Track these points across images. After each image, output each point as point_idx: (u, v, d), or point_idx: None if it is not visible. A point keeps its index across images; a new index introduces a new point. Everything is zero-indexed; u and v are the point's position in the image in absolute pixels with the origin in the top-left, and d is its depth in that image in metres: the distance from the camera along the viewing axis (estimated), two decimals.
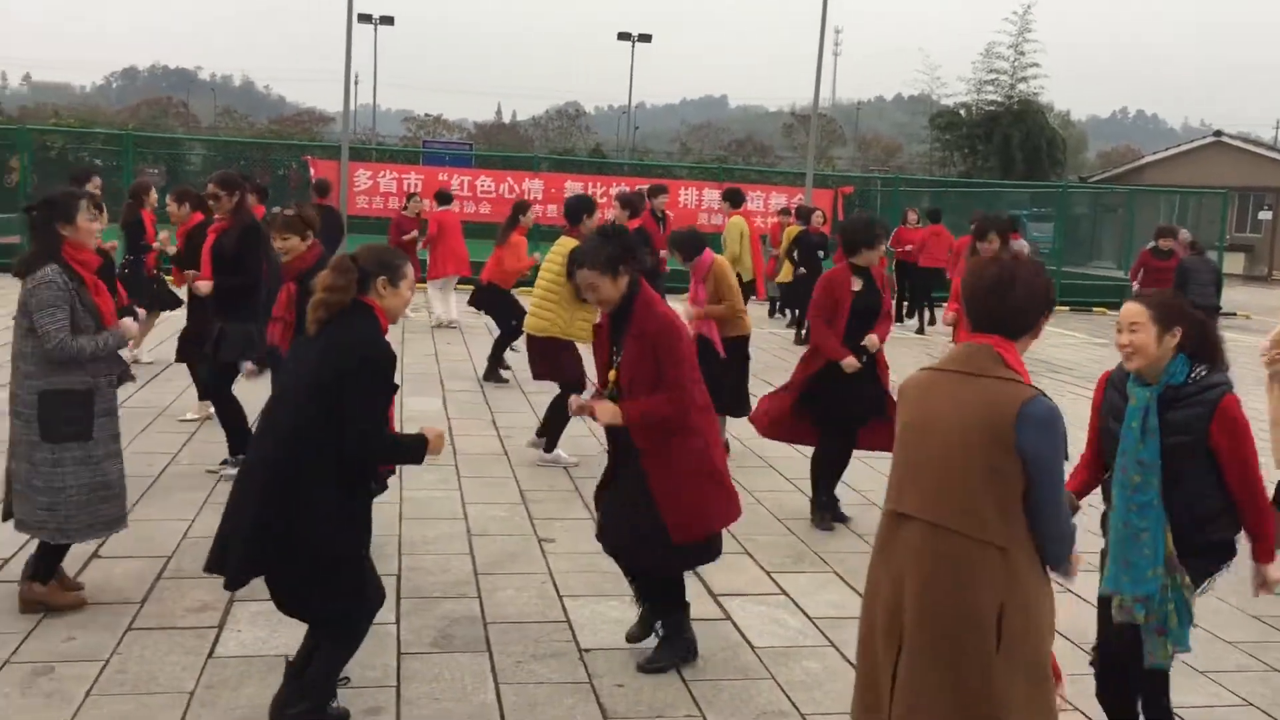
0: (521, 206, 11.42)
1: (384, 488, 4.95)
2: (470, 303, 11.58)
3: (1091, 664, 4.07)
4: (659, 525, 4.35)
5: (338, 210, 15.87)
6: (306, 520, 3.65)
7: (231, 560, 3.73)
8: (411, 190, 17.02)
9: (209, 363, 7.19)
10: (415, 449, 3.87)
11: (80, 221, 4.81)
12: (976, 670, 2.89)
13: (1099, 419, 3.91)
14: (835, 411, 6.60)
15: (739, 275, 12.28)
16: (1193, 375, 3.64)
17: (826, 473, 6.76)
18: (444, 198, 15.04)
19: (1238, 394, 3.66)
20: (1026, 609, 2.92)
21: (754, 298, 13.28)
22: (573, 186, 22.32)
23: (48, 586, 4.88)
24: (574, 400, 4.67)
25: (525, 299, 9.37)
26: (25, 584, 4.87)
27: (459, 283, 15.00)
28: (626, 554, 4.62)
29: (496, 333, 11.23)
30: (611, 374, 4.50)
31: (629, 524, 4.45)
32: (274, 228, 6.12)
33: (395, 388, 3.87)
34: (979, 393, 2.94)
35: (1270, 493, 3.90)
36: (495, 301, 11.16)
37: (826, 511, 6.70)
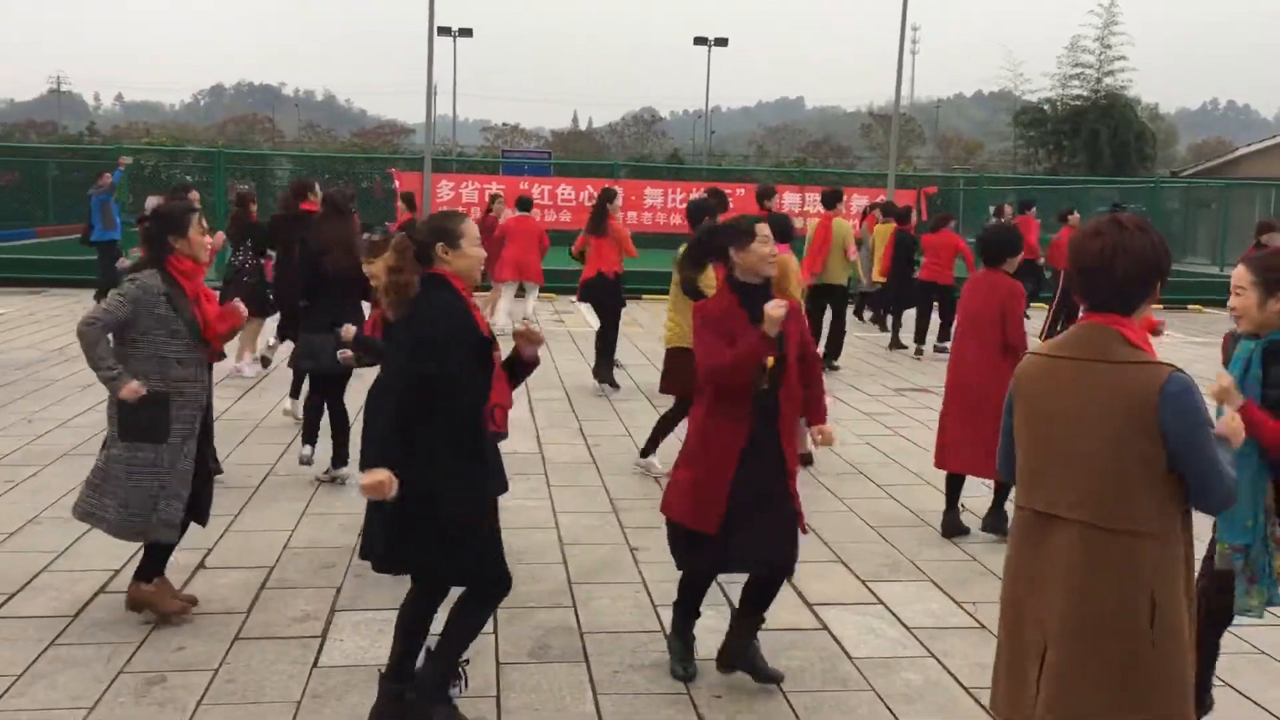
0: (609, 194, 11.17)
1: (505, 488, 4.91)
2: (580, 298, 11.34)
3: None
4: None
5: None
6: (434, 494, 3.81)
7: (377, 547, 3.94)
8: (492, 194, 17.14)
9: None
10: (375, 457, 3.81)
11: (192, 234, 4.99)
12: (1132, 668, 2.84)
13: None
14: None
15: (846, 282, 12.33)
16: None
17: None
18: (524, 204, 14.97)
19: None
20: (1174, 595, 2.86)
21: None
22: (652, 193, 22.40)
23: (154, 587, 5.02)
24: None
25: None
26: (132, 584, 5.02)
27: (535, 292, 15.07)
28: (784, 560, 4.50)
29: (587, 340, 11.20)
30: (770, 360, 4.28)
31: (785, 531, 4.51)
32: (364, 252, 6.21)
33: (486, 349, 3.94)
34: (1112, 380, 2.85)
35: None
36: (603, 292, 10.88)
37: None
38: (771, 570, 4.47)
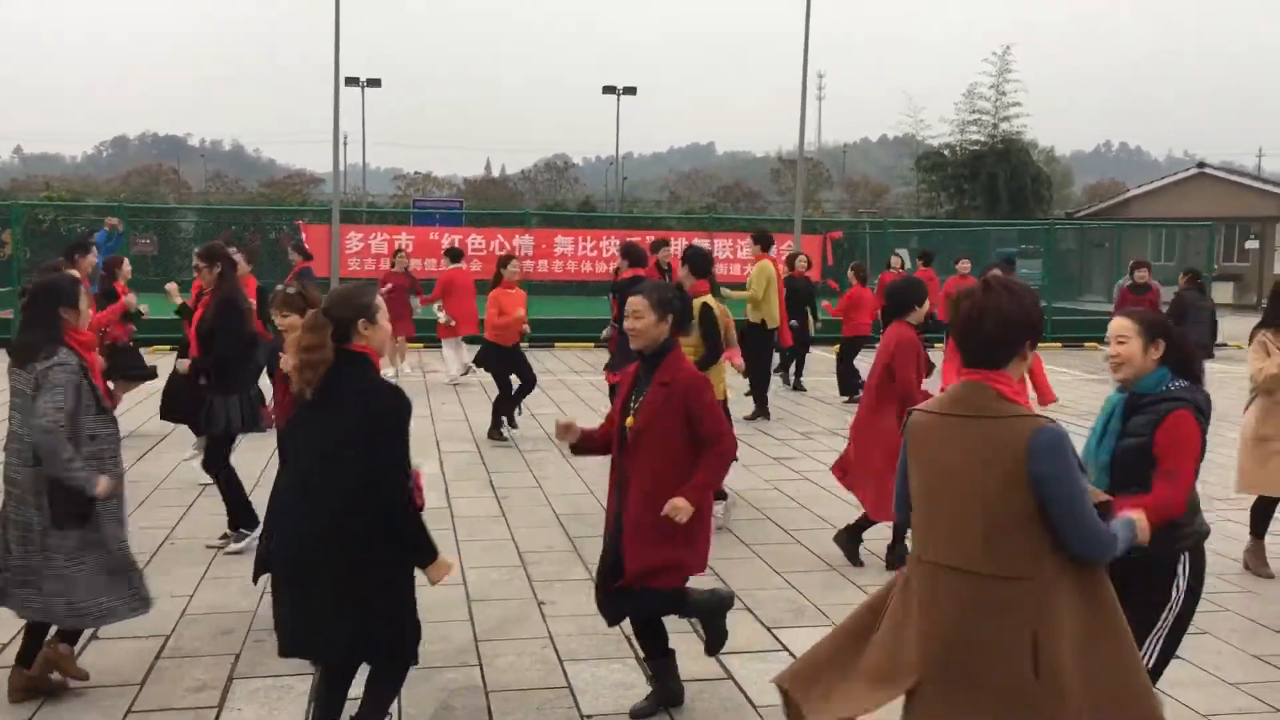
0: (503, 261, 11.37)
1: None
2: (475, 360, 11.50)
3: None
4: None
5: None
6: (376, 583, 3.82)
7: (319, 644, 3.89)
8: (396, 248, 17.15)
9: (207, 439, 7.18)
10: (425, 541, 4.00)
11: (82, 306, 4.87)
12: (1015, 700, 2.93)
13: None
14: None
15: (764, 322, 12.25)
16: (1168, 386, 3.83)
17: None
18: (455, 255, 14.99)
19: (1213, 423, 3.79)
20: (1056, 636, 2.93)
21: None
22: (563, 241, 22.49)
23: (70, 649, 4.89)
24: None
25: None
26: (51, 645, 4.84)
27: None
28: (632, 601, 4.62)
29: (494, 393, 11.21)
30: (629, 420, 4.52)
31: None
32: (274, 305, 6.02)
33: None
34: (985, 434, 2.98)
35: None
36: (493, 359, 11.09)
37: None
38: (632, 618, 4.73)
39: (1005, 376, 3.05)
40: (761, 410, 12.37)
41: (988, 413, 2.99)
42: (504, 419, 11.04)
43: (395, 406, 3.83)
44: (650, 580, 4.48)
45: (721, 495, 7.57)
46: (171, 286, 9.09)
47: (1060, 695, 2.95)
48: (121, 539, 4.88)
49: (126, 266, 10.86)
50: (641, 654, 4.96)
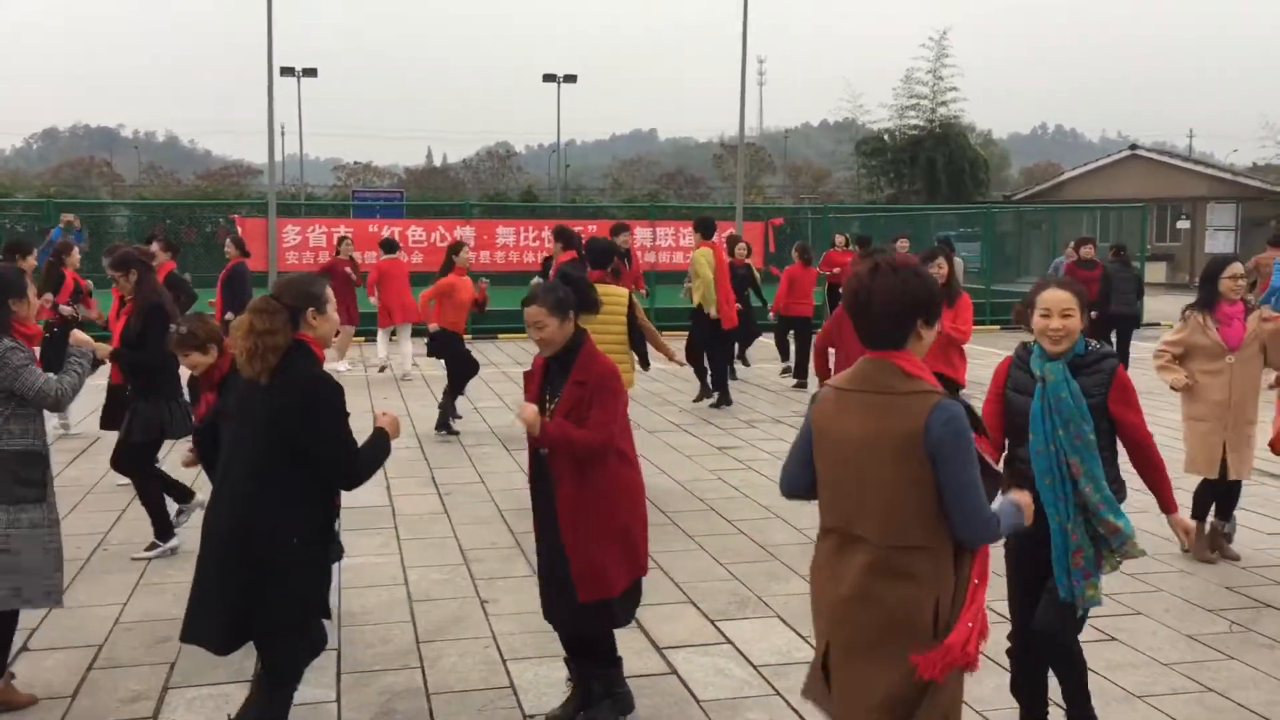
0: (455, 247, 11.32)
1: (341, 552, 4.89)
2: (430, 353, 11.41)
3: (1008, 653, 4.37)
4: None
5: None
6: (284, 577, 3.73)
7: (213, 629, 3.78)
8: (340, 235, 16.97)
9: (122, 445, 7.01)
10: (385, 446, 4.00)
11: (30, 296, 4.86)
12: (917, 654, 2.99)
13: (1001, 392, 4.34)
14: None
15: (703, 309, 12.28)
16: (1090, 347, 4.17)
17: None
18: (389, 246, 15.13)
19: (1153, 404, 3.99)
20: (955, 595, 3.03)
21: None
22: (505, 232, 22.35)
23: (3, 682, 4.76)
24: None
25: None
26: None
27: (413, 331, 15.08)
28: (568, 625, 4.57)
29: (438, 386, 11.14)
30: (545, 418, 4.44)
31: (567, 595, 4.42)
32: (173, 347, 5.79)
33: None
34: (887, 410, 3.01)
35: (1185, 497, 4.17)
36: (447, 348, 10.98)
37: None
38: (562, 630, 4.63)
39: (908, 354, 3.08)
40: (724, 398, 12.48)
41: (890, 389, 3.03)
42: (454, 410, 10.95)
43: (334, 396, 3.79)
44: (596, 588, 4.36)
45: None
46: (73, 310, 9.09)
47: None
48: (56, 524, 4.81)
49: (75, 254, 10.69)
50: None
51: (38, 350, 5.00)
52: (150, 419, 6.80)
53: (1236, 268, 6.67)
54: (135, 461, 6.95)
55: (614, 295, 7.66)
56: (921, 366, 3.08)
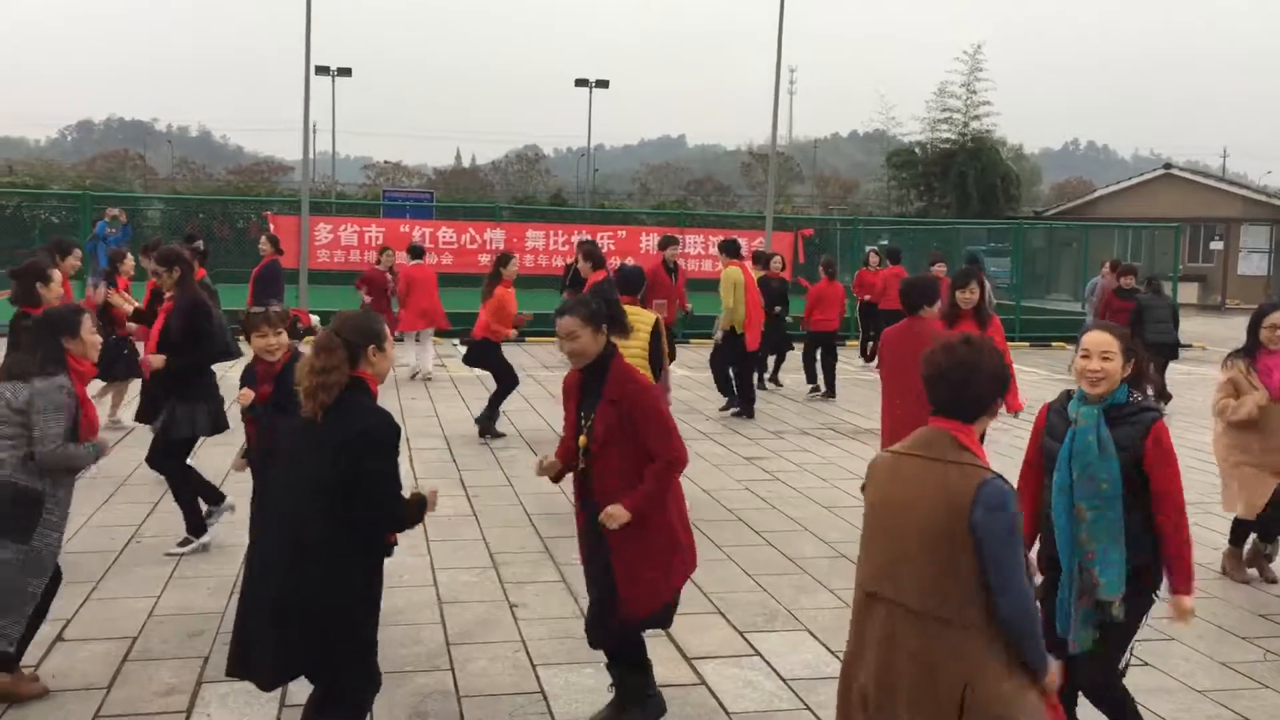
0: (503, 259, 11.23)
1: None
2: (465, 360, 11.43)
3: None
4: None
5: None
6: (348, 617, 3.70)
7: (263, 665, 3.70)
8: (383, 245, 17.01)
9: (158, 442, 7.07)
10: (418, 515, 3.94)
11: (84, 335, 4.89)
12: None
13: (1039, 440, 4.26)
14: None
15: (734, 329, 12.33)
16: (1133, 397, 4.06)
17: None
18: (416, 251, 15.19)
19: (1185, 425, 3.91)
20: (992, 686, 2.97)
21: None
22: (534, 235, 22.41)
23: (11, 676, 4.78)
24: (542, 462, 4.66)
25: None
26: None
27: (436, 335, 15.17)
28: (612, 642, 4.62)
29: (468, 389, 11.15)
30: (582, 439, 4.48)
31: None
32: (262, 322, 5.65)
33: None
34: (939, 478, 3.04)
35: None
36: (488, 356, 10.97)
37: None
38: (597, 645, 4.66)
39: (968, 428, 3.13)
40: (747, 409, 12.48)
41: (943, 457, 3.06)
42: (495, 419, 10.89)
43: (390, 436, 3.75)
44: (643, 604, 4.43)
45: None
46: (115, 299, 9.12)
47: None
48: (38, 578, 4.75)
49: (129, 261, 10.68)
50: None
51: (86, 395, 4.98)
52: (187, 417, 6.86)
53: (1276, 318, 6.58)
54: (169, 458, 7.00)
55: (641, 318, 7.66)
56: (976, 442, 3.12)
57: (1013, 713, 2.98)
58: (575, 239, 21.79)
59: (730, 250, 12.65)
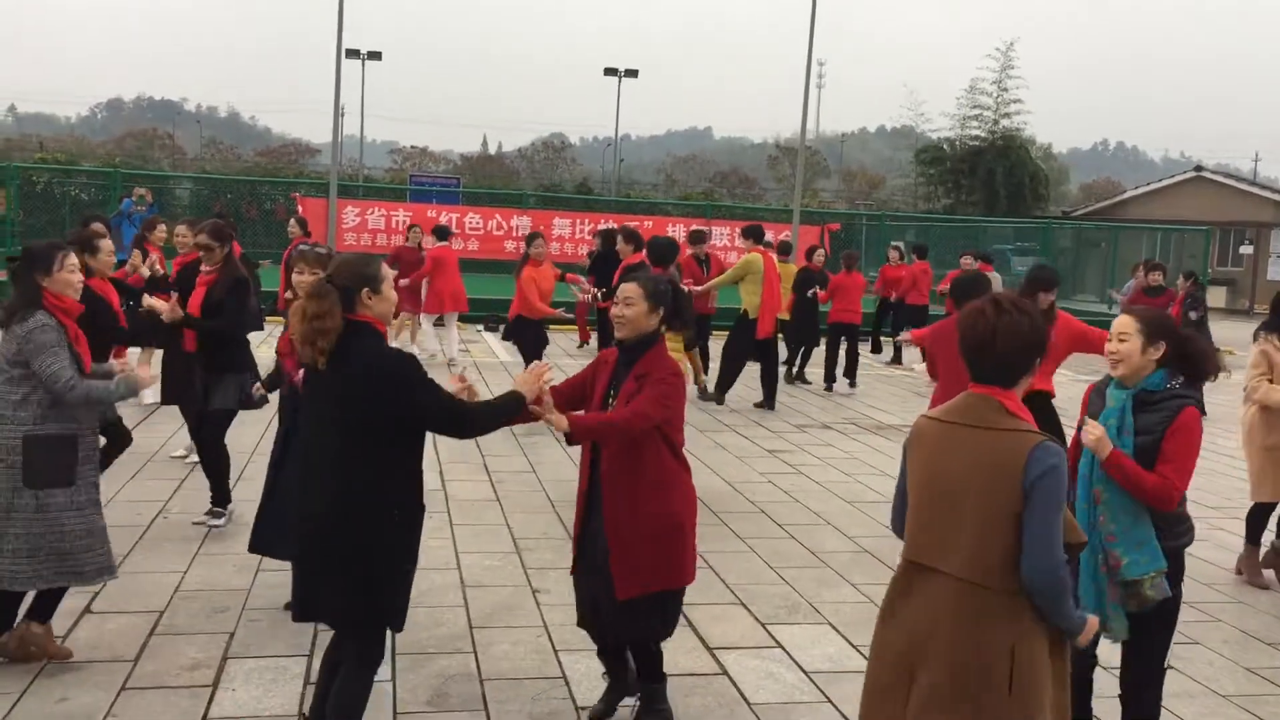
0: (530, 238, 11.24)
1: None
2: (504, 337, 11.42)
3: None
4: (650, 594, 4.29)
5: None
6: (389, 548, 3.80)
7: (327, 604, 3.84)
8: (410, 223, 17.07)
9: (197, 413, 7.14)
10: (511, 407, 4.02)
11: (57, 273, 4.88)
12: (986, 713, 2.98)
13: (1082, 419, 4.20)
14: None
15: (746, 313, 12.29)
16: (1169, 385, 3.98)
17: None
18: (442, 233, 15.10)
19: (1215, 431, 3.85)
20: (1033, 651, 3.01)
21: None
22: (560, 223, 22.44)
23: (45, 628, 4.89)
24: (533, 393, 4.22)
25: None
26: (24, 625, 4.86)
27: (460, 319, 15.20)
28: (613, 628, 4.46)
29: (488, 372, 11.18)
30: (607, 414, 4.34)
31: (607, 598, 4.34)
32: (299, 259, 5.65)
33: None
34: (989, 445, 3.03)
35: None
36: (522, 333, 10.90)
37: None
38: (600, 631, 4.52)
39: (1012, 394, 3.12)
40: (769, 402, 12.48)
41: (992, 425, 3.05)
42: None
43: (403, 368, 3.78)
44: (640, 587, 4.27)
45: None
46: (135, 259, 9.13)
47: (1030, 712, 2.99)
48: (90, 504, 4.87)
49: (161, 229, 10.75)
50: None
51: (78, 330, 5.00)
52: (231, 387, 6.94)
53: None
54: (214, 429, 7.06)
55: None
56: (1022, 406, 3.11)
57: (1046, 682, 3.02)
58: (599, 227, 21.81)
59: (754, 235, 12.61)
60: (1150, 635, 4.06)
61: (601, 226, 20.66)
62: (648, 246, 8.23)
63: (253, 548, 5.77)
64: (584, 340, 16.98)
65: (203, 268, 7.19)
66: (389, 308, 3.95)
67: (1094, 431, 3.93)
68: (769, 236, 19.67)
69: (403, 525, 3.86)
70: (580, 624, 4.58)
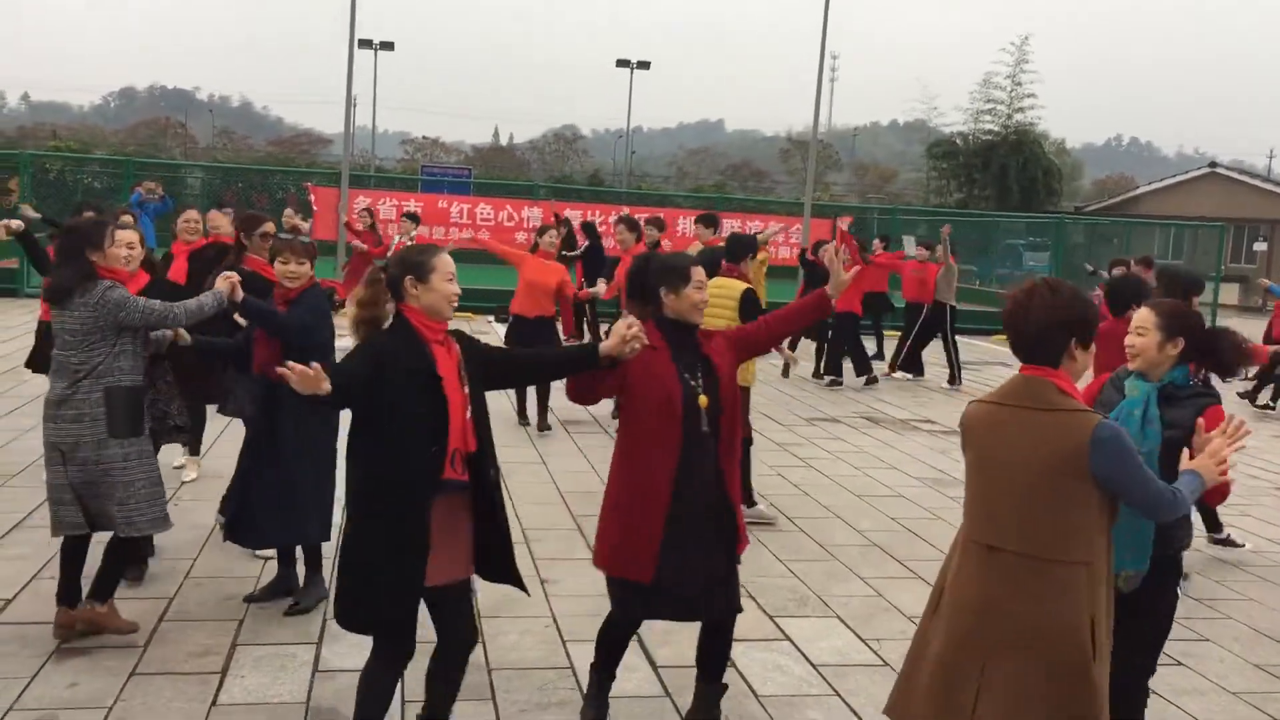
0: (540, 230, 10.85)
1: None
2: (506, 340, 11.25)
3: None
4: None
5: None
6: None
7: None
8: (364, 207, 17.07)
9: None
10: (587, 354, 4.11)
11: (109, 249, 4.99)
12: (1080, 682, 3.07)
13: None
14: None
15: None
16: (1194, 380, 4.00)
17: None
18: (413, 219, 15.26)
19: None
20: (1104, 615, 3.14)
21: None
22: (572, 214, 22.39)
23: (107, 607, 5.00)
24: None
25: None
26: (86, 604, 4.96)
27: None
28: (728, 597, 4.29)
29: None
30: (703, 399, 4.12)
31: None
32: (284, 248, 5.58)
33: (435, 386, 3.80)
34: (1047, 426, 3.11)
35: None
36: (524, 333, 10.41)
37: None
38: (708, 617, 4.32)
39: (1060, 373, 3.19)
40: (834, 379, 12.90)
41: (1047, 405, 3.12)
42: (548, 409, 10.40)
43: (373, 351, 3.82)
44: (745, 540, 4.30)
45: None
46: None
47: (1105, 673, 3.14)
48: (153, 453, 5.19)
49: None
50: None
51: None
52: (247, 392, 6.81)
53: None
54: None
55: (729, 289, 7.40)
56: (1074, 387, 3.18)
57: (1106, 654, 3.14)
58: (612, 219, 21.80)
59: (710, 222, 12.33)
60: (1136, 645, 3.89)
61: (614, 218, 20.66)
62: (727, 242, 7.98)
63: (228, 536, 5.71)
64: (569, 333, 16.93)
65: (286, 283, 6.75)
66: (437, 299, 3.78)
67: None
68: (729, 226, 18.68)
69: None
70: (678, 617, 4.34)
